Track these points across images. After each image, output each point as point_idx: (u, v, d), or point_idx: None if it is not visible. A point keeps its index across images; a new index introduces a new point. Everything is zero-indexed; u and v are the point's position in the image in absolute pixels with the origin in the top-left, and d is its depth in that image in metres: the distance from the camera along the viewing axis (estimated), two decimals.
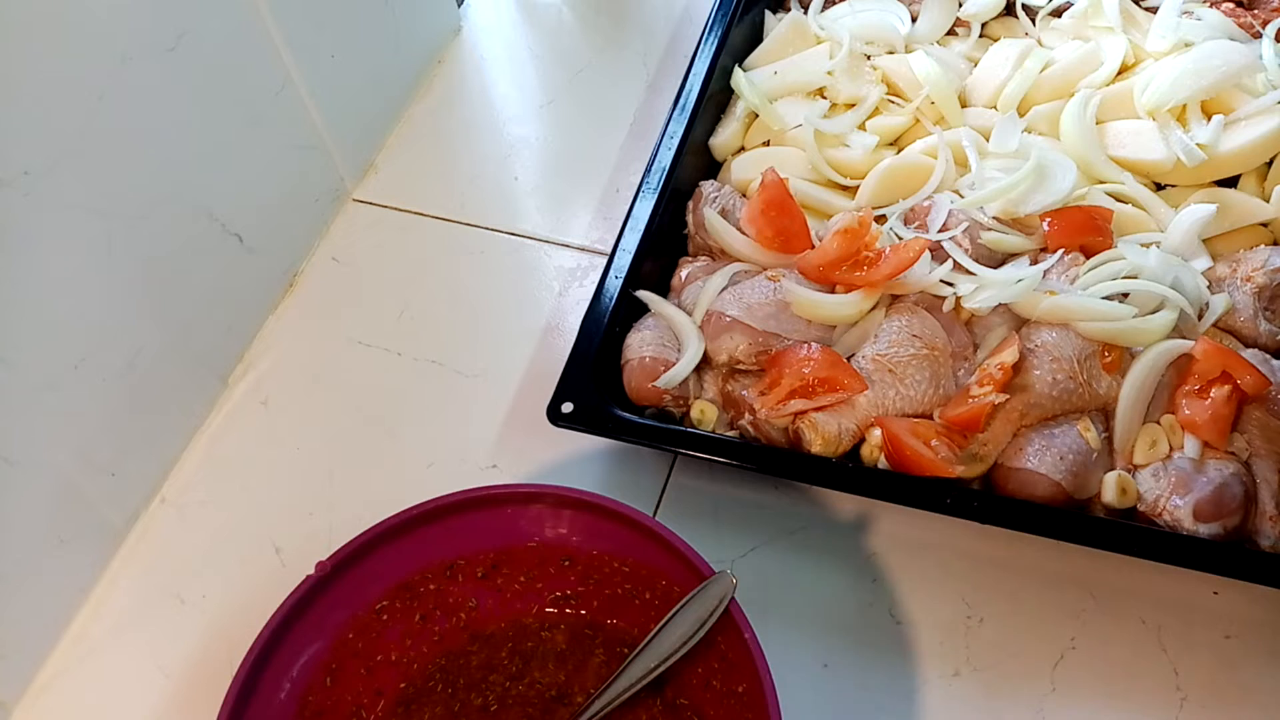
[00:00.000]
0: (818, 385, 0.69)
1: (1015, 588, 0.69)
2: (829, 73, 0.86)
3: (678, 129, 0.84)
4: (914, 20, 0.90)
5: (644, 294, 0.77)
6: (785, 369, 0.70)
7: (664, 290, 0.79)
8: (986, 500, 0.67)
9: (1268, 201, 0.77)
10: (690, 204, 0.83)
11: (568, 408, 0.70)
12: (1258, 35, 0.83)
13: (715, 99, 0.89)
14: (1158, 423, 0.69)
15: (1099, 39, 0.85)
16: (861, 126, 0.85)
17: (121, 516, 0.76)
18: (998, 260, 0.76)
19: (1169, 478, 0.66)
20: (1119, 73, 0.84)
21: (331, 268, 0.90)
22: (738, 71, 0.89)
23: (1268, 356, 0.71)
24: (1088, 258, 0.74)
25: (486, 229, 0.92)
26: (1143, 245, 0.75)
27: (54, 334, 0.66)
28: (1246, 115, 0.78)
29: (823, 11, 0.93)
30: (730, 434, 0.73)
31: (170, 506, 0.78)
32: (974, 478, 0.68)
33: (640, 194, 0.80)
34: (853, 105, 0.86)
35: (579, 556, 0.65)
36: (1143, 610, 0.68)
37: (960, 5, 0.91)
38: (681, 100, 0.86)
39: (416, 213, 0.93)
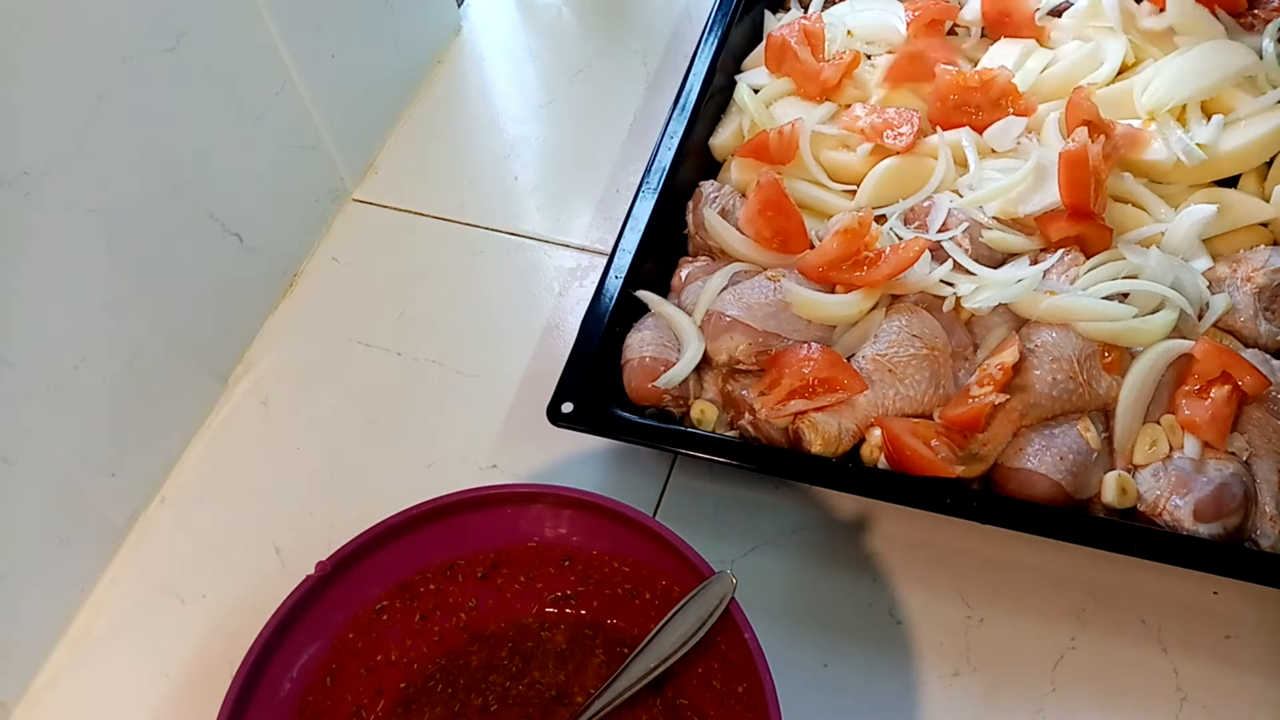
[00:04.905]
0: (818, 385, 0.69)
1: (1015, 588, 0.69)
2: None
3: (678, 129, 0.84)
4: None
5: (644, 294, 0.77)
6: (785, 369, 0.70)
7: (664, 290, 0.79)
8: (986, 500, 0.67)
9: (1268, 201, 0.76)
10: (690, 204, 0.83)
11: (568, 408, 0.70)
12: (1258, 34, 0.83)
13: (715, 99, 0.89)
14: (1158, 423, 0.69)
15: (1099, 39, 0.85)
16: None
17: (121, 516, 0.76)
18: (998, 260, 0.76)
19: (1169, 478, 0.66)
20: (1119, 73, 0.84)
21: (331, 268, 0.90)
22: (741, 85, 0.89)
23: (1268, 356, 0.71)
24: (1088, 256, 0.74)
25: (486, 229, 0.92)
26: (1144, 240, 0.75)
27: (54, 334, 0.66)
28: (1246, 115, 0.78)
29: (823, 11, 0.93)
30: (730, 434, 0.73)
31: (170, 506, 0.78)
32: (974, 478, 0.68)
33: (640, 194, 0.80)
34: (850, 107, 0.86)
35: (579, 556, 0.65)
36: (1143, 610, 0.68)
37: (961, 6, 0.91)
38: (681, 100, 0.86)
39: (416, 213, 0.93)
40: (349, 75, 0.90)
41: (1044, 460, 0.66)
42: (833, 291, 0.75)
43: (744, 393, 0.72)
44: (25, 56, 0.60)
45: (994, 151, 0.80)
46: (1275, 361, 0.70)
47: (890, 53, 0.88)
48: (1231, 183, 0.79)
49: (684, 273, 0.79)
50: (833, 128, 0.84)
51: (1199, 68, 0.79)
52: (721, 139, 0.88)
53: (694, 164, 0.86)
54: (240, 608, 0.71)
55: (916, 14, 0.88)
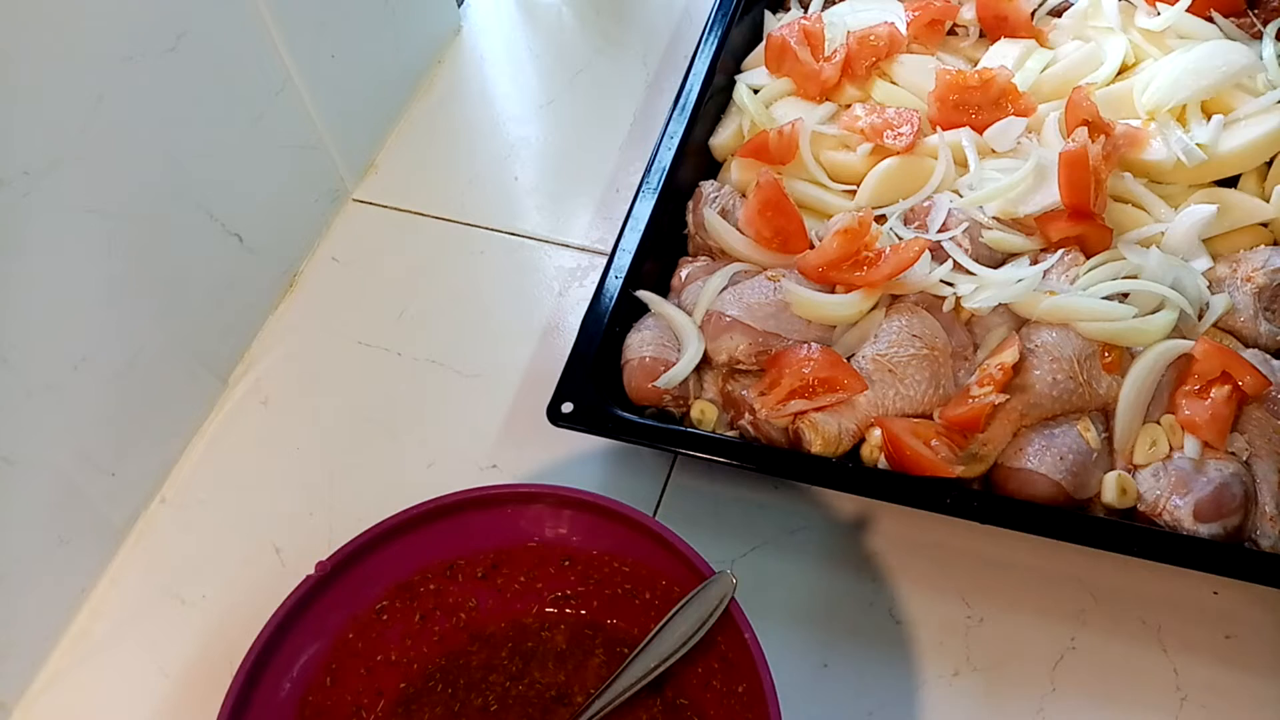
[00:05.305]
0: (818, 385, 0.70)
1: (1015, 588, 0.69)
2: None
3: (678, 129, 0.84)
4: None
5: (644, 294, 0.77)
6: (785, 369, 0.70)
7: (664, 290, 0.79)
8: (986, 500, 0.67)
9: (1268, 201, 0.77)
10: (690, 204, 0.83)
11: (568, 408, 0.70)
12: (1258, 35, 0.83)
13: (715, 99, 0.89)
14: (1158, 423, 0.69)
15: (1099, 39, 0.86)
16: None
17: (121, 516, 0.76)
18: (998, 260, 0.76)
19: (1169, 478, 0.66)
20: (1119, 73, 0.84)
21: (331, 268, 0.90)
22: (740, 85, 0.89)
23: (1268, 356, 0.71)
24: (1088, 256, 0.74)
25: (486, 229, 0.92)
26: (1144, 240, 0.75)
27: (54, 334, 0.66)
28: (1246, 115, 0.78)
29: (823, 11, 0.93)
30: (730, 434, 0.73)
31: (170, 506, 0.78)
32: (974, 478, 0.68)
33: (640, 194, 0.80)
34: (849, 106, 0.86)
35: (579, 556, 0.65)
36: (1143, 610, 0.68)
37: (961, 6, 0.91)
38: (681, 100, 0.86)
39: (416, 213, 0.93)
40: (349, 75, 0.90)
41: (1044, 460, 0.66)
42: (833, 291, 0.75)
43: (744, 393, 0.72)
44: (25, 56, 0.60)
45: (994, 151, 0.80)
46: (1275, 361, 0.70)
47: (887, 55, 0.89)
48: (1231, 183, 0.79)
49: (684, 273, 0.79)
50: (833, 128, 0.84)
51: (1199, 68, 0.79)
52: (721, 139, 0.88)
53: (694, 164, 0.86)
54: (240, 608, 0.71)
55: (916, 14, 0.89)
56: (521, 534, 0.65)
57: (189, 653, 0.71)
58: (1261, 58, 0.80)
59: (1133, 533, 0.64)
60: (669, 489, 0.75)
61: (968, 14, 0.90)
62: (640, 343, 0.74)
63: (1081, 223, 0.73)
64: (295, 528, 0.76)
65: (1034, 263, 0.74)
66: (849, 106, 0.85)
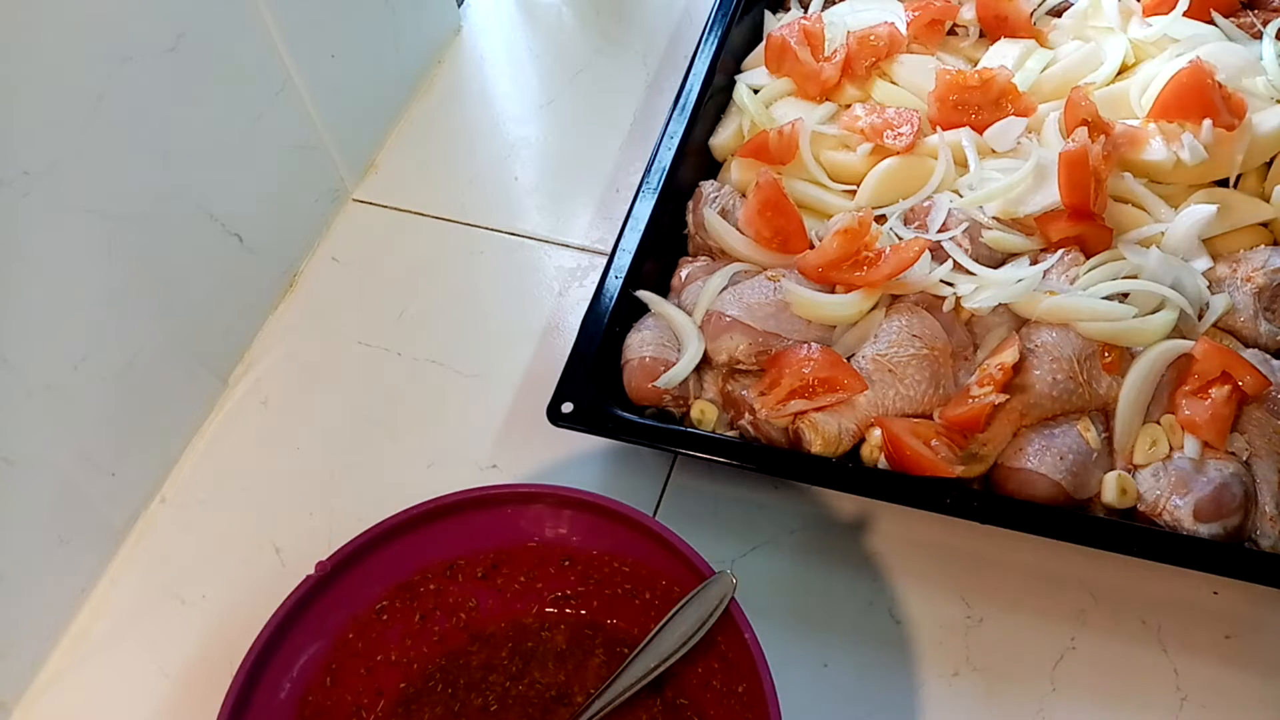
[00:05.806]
0: (818, 385, 0.70)
1: (1015, 588, 0.69)
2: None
3: (678, 129, 0.84)
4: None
5: (644, 294, 0.77)
6: (785, 369, 0.70)
7: (664, 290, 0.79)
8: (986, 500, 0.67)
9: (1268, 201, 0.76)
10: (690, 204, 0.83)
11: (568, 408, 0.70)
12: (1258, 35, 0.83)
13: (715, 99, 0.89)
14: (1158, 423, 0.69)
15: (1099, 39, 0.86)
16: None
17: (121, 516, 0.76)
18: (998, 260, 0.76)
19: (1169, 478, 0.66)
20: (1119, 73, 0.84)
21: (331, 268, 0.90)
22: (740, 85, 0.89)
23: (1268, 356, 0.71)
24: (1088, 256, 0.74)
25: (486, 229, 0.92)
26: (1144, 240, 0.75)
27: (54, 334, 0.66)
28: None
29: (823, 11, 0.93)
30: (730, 434, 0.73)
31: (170, 506, 0.78)
32: (974, 478, 0.68)
33: (640, 194, 0.80)
34: (850, 106, 0.86)
35: (579, 556, 0.65)
36: (1143, 610, 0.68)
37: (961, 6, 0.91)
38: (681, 100, 0.86)
39: (416, 213, 0.93)
40: (349, 75, 0.90)
41: (1044, 460, 0.66)
42: (833, 291, 0.75)
43: (744, 393, 0.72)
44: (25, 56, 0.60)
45: (994, 151, 0.80)
46: (1275, 361, 0.70)
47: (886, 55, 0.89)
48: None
49: (684, 273, 0.79)
50: (833, 128, 0.84)
51: None
52: (721, 139, 0.88)
53: (694, 164, 0.86)
54: (240, 608, 0.71)
55: (916, 14, 0.89)
56: (521, 534, 0.65)
57: (189, 653, 0.71)
58: (1261, 58, 0.80)
59: (1133, 533, 0.64)
60: (669, 489, 0.75)
61: (968, 14, 0.90)
62: (640, 343, 0.74)
63: (1081, 223, 0.73)
64: (295, 528, 0.76)
65: (1034, 263, 0.74)
66: (849, 106, 0.85)
